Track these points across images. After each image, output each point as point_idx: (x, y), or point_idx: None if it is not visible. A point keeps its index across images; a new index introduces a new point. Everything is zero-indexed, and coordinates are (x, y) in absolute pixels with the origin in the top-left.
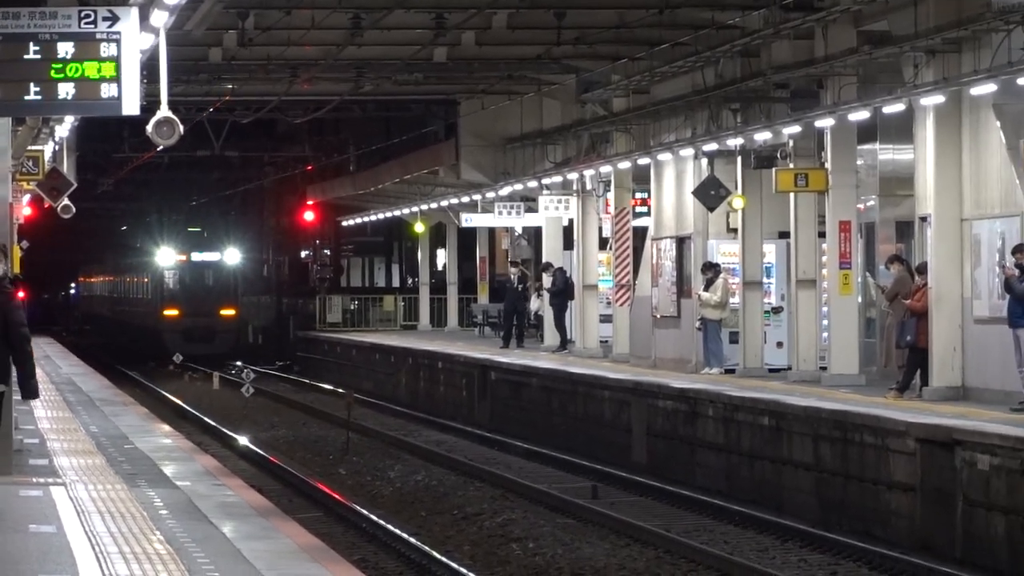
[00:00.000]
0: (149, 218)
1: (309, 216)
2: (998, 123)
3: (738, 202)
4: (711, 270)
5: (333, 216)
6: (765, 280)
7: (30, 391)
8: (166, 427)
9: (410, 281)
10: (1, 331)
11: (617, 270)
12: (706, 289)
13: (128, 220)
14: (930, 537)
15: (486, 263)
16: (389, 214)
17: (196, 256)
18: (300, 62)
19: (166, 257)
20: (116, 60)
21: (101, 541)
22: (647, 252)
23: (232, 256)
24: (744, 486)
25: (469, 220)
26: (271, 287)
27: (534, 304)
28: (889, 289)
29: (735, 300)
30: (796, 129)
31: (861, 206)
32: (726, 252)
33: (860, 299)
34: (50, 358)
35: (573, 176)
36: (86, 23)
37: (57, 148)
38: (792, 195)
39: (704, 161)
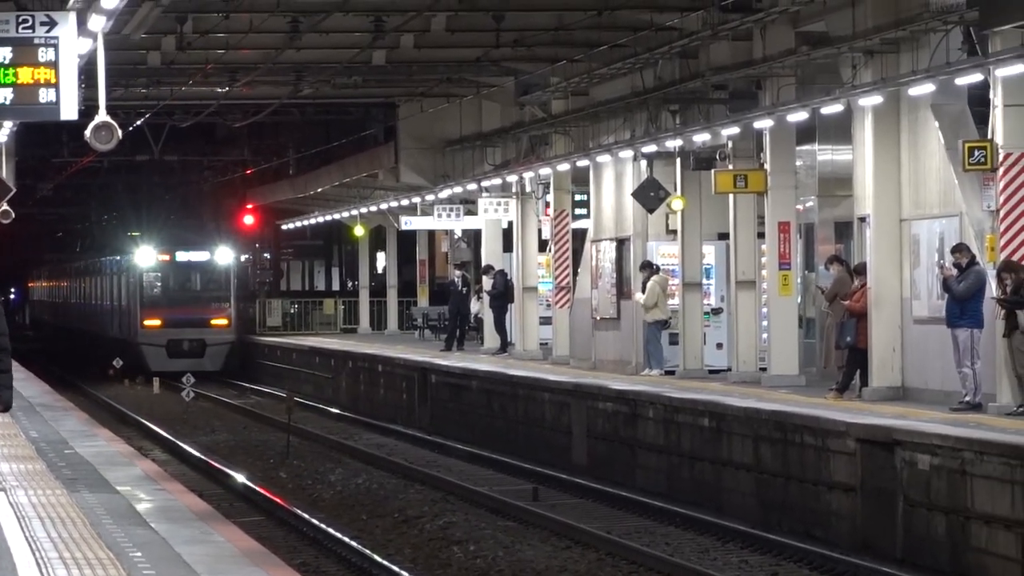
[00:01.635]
0: (123, 212)
1: (249, 220)
2: (936, 123)
3: (677, 203)
4: (647, 269)
5: (273, 220)
6: (705, 281)
7: (3, 402)
8: (107, 432)
9: (350, 284)
10: None
11: (557, 272)
12: (642, 290)
13: (95, 215)
14: (871, 537)
15: (426, 266)
16: (329, 217)
17: (181, 255)
18: (239, 66)
19: (145, 256)
20: (54, 65)
21: (41, 546)
22: (586, 254)
23: (224, 255)
24: (685, 487)
25: (409, 223)
26: None
27: (474, 306)
28: (829, 290)
29: (674, 301)
30: (735, 130)
31: (800, 207)
32: (665, 253)
33: (800, 299)
34: None
35: (512, 178)
36: (24, 28)
37: None
38: (731, 196)
39: (643, 163)
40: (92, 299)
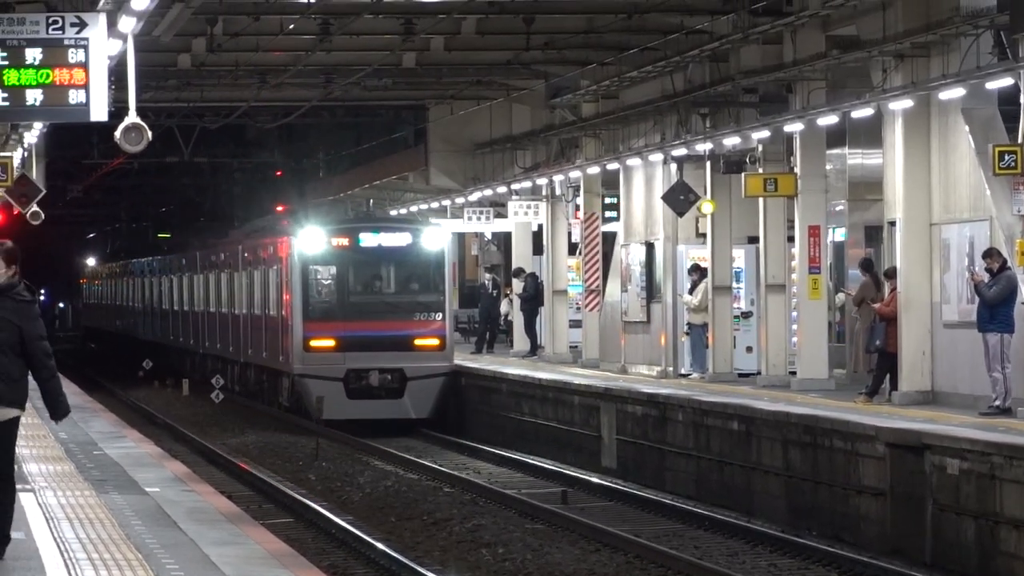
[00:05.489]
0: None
1: None
2: (967, 127)
3: (707, 207)
4: (696, 272)
5: None
6: (735, 285)
7: (60, 410)
8: (135, 433)
9: None
10: (18, 347)
11: (586, 275)
12: (691, 292)
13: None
14: (900, 541)
15: (456, 268)
16: None
17: (368, 239)
18: (269, 68)
19: (311, 240)
20: (84, 66)
21: (70, 547)
22: (616, 257)
23: (435, 239)
24: (714, 490)
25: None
26: None
27: (504, 309)
28: (856, 294)
29: None
30: (765, 134)
31: (831, 211)
32: (696, 257)
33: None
34: None
35: (542, 181)
36: (54, 29)
37: (26, 154)
38: (761, 200)
39: (673, 166)
40: (207, 305)
